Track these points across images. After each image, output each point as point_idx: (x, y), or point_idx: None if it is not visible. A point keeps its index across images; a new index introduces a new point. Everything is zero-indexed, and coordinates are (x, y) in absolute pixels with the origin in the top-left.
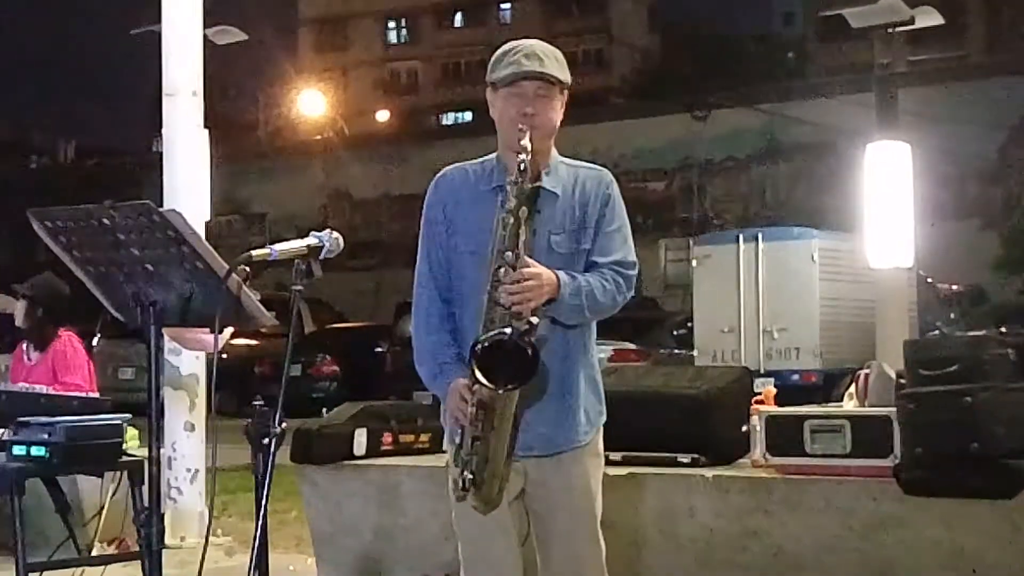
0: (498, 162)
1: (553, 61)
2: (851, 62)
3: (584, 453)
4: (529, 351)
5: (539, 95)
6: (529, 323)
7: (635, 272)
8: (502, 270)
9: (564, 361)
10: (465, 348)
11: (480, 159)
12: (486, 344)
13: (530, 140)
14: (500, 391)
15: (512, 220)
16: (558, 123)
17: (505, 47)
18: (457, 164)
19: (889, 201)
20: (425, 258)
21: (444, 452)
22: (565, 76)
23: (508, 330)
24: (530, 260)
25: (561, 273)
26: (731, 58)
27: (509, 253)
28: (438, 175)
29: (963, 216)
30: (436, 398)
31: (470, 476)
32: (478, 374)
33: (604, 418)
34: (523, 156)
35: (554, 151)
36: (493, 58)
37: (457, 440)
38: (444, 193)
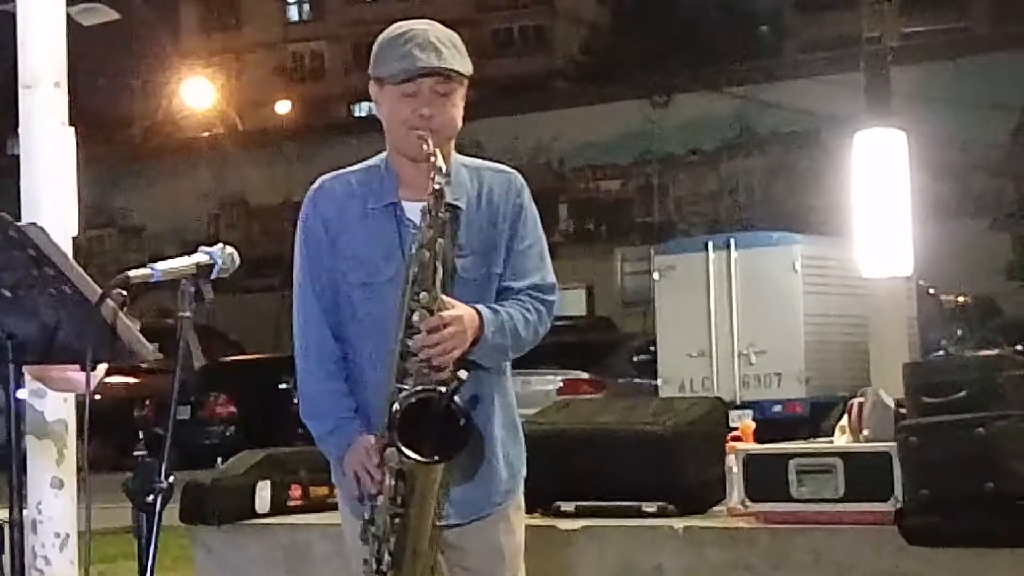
0: (387, 171)
1: (452, 50)
2: (836, 36)
3: (508, 509)
4: (461, 418)
5: (437, 93)
6: (457, 380)
7: (555, 297)
8: (416, 315)
9: (479, 409)
10: (358, 396)
11: (363, 164)
12: (411, 403)
13: (442, 157)
14: (425, 463)
15: (428, 255)
16: (460, 122)
17: (391, 33)
18: (336, 172)
19: (882, 199)
20: (310, 288)
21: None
22: (466, 67)
23: (435, 390)
24: (449, 300)
25: (482, 308)
26: (695, 33)
27: (424, 294)
28: (314, 187)
29: (969, 214)
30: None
31: (388, 557)
32: (404, 449)
33: (525, 470)
34: (438, 179)
35: (453, 152)
36: (377, 46)
37: (367, 515)
38: (325, 209)
